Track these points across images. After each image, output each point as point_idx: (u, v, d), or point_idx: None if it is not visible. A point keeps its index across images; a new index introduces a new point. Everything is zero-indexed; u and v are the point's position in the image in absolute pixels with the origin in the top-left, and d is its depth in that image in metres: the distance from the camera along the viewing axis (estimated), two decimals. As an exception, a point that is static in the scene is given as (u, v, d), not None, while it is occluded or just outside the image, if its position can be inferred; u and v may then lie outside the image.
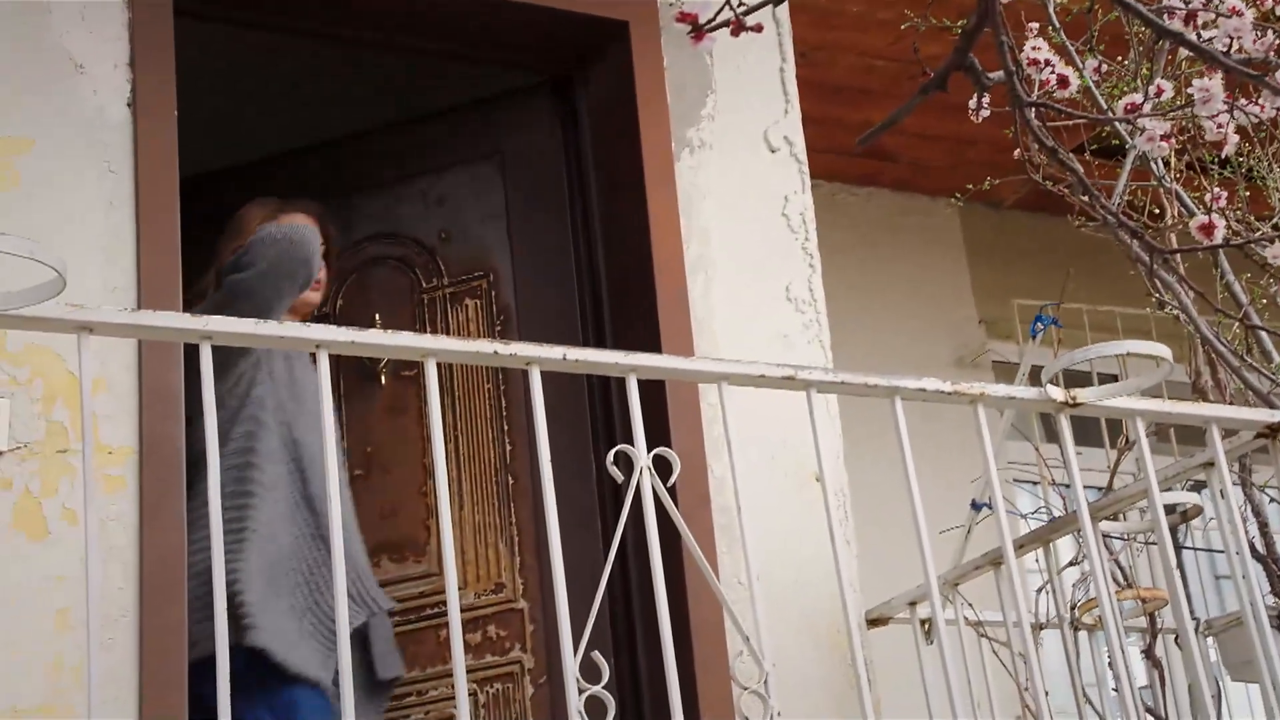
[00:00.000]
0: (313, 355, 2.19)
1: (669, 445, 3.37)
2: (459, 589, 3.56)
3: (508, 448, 3.69)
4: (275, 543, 3.01)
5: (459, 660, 2.10)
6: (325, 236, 3.39)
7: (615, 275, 3.78)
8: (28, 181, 3.02)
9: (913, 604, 3.39)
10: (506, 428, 3.71)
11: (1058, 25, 2.40)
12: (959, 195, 3.95)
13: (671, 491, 2.35)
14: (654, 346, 3.54)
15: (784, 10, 3.90)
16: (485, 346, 2.30)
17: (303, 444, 3.12)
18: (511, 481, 3.68)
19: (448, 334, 3.71)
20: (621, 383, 2.42)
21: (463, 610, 3.54)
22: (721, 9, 1.38)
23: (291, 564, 3.02)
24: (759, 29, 1.47)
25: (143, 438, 2.90)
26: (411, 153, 3.86)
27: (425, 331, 3.77)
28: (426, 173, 3.94)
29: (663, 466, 2.35)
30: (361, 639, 3.08)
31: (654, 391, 3.36)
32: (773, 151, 3.88)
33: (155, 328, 2.14)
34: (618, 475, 2.31)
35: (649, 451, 2.31)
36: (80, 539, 2.68)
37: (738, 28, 1.40)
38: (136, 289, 3.00)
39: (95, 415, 2.74)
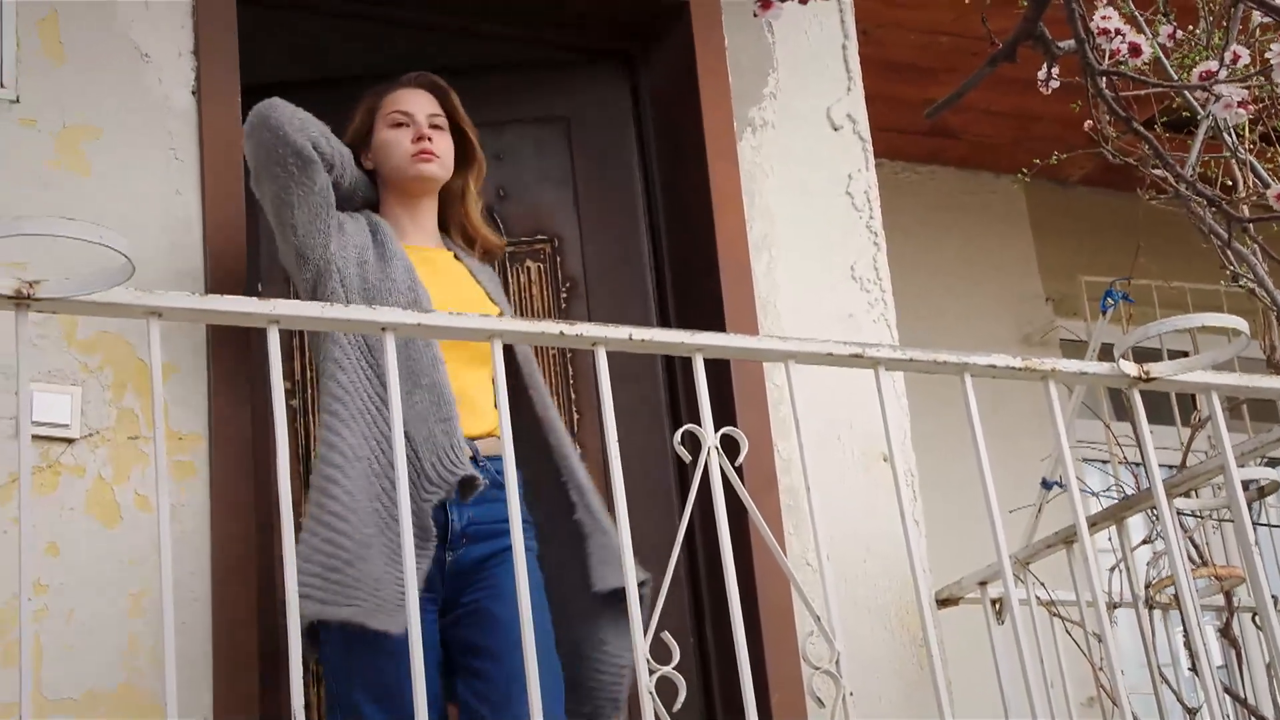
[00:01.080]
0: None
1: (735, 424, 3.39)
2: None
3: (575, 416, 3.66)
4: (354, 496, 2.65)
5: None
6: (444, 107, 3.02)
7: (678, 254, 3.77)
8: (97, 169, 3.05)
9: (983, 584, 3.36)
10: (574, 396, 3.66)
11: (1128, -7, 2.37)
12: (1024, 172, 3.90)
13: (739, 471, 2.34)
14: (718, 325, 3.53)
15: (848, -12, 3.87)
16: (551, 327, 2.29)
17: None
18: (580, 450, 3.65)
19: (508, 292, 3.67)
20: (687, 361, 2.41)
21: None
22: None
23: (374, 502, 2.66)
24: (827, -2, 1.44)
25: (212, 423, 2.92)
26: (467, 102, 3.72)
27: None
28: (482, 125, 3.86)
29: (730, 446, 2.33)
30: (577, 550, 2.84)
31: (720, 370, 3.35)
32: (835, 129, 3.85)
33: (223, 312, 2.15)
34: (685, 455, 2.30)
35: (716, 431, 2.29)
36: (152, 524, 2.70)
37: (805, -3, 1.37)
38: (205, 274, 3.02)
39: (165, 401, 2.76)
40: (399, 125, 2.95)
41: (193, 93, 3.18)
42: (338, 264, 2.77)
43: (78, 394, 2.85)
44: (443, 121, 3.00)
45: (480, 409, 2.80)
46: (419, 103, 2.98)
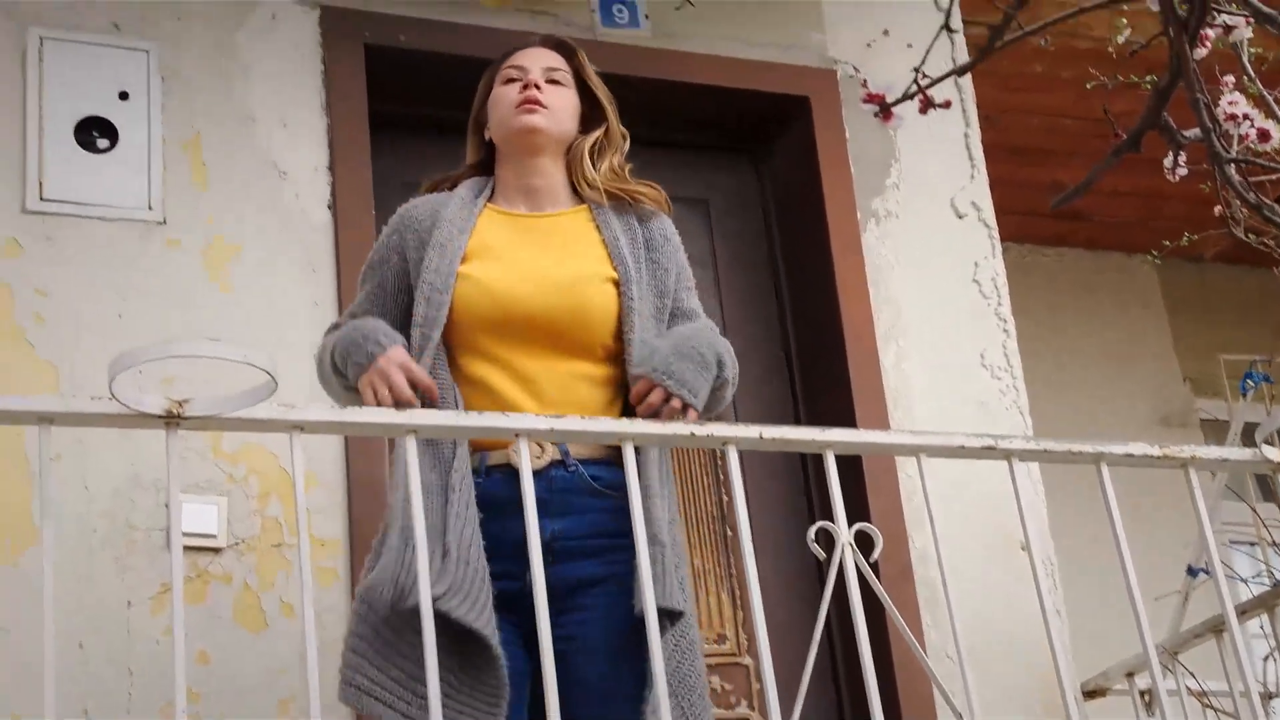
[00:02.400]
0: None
1: (868, 517, 3.38)
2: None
3: (724, 498, 3.66)
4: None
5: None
6: (570, 64, 2.71)
7: (806, 343, 3.78)
8: (238, 285, 3.15)
9: (1130, 674, 3.29)
10: (721, 478, 3.65)
11: (1253, 75, 2.35)
12: (1155, 254, 3.86)
13: (874, 566, 2.33)
14: (848, 416, 3.52)
15: (966, 76, 3.88)
16: (682, 429, 2.31)
17: None
18: (729, 533, 3.64)
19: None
20: (819, 456, 2.41)
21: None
22: (909, 88, 1.38)
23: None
24: (947, 105, 1.46)
25: (352, 529, 2.98)
26: None
27: None
28: None
29: (865, 540, 2.32)
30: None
31: (852, 463, 3.34)
32: (960, 217, 3.85)
33: (362, 424, 2.21)
34: (819, 552, 2.29)
35: (850, 527, 2.28)
36: (297, 630, 2.75)
37: (925, 105, 1.39)
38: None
39: (307, 509, 2.82)
40: (511, 81, 2.65)
41: (328, 207, 3.28)
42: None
43: (224, 504, 2.93)
44: (565, 78, 2.67)
45: (569, 401, 2.45)
46: (537, 56, 2.68)
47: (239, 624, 2.87)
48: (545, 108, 2.60)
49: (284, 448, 2.71)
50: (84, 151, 3.16)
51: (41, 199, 3.09)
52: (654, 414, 2.40)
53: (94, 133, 3.19)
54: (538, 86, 2.61)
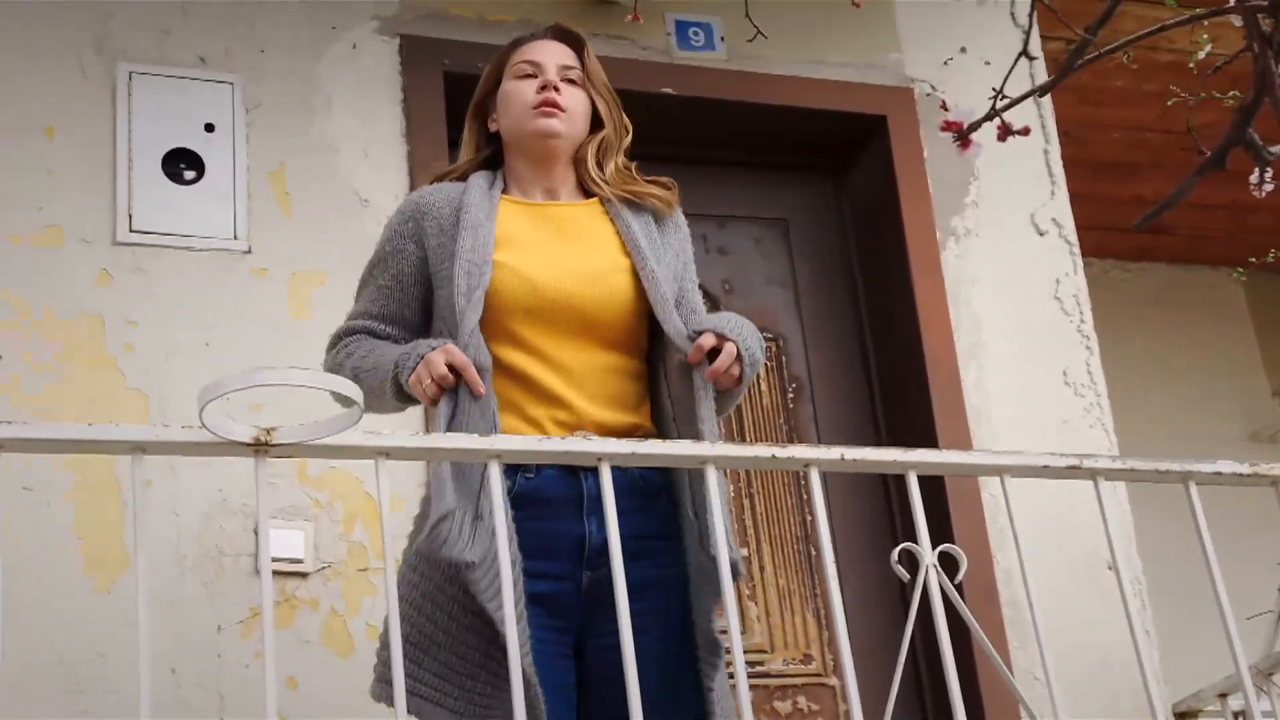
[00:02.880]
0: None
1: (951, 537, 3.35)
2: (765, 652, 3.56)
3: (808, 518, 3.65)
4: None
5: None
6: (578, 54, 2.61)
7: (886, 363, 3.77)
8: (320, 313, 3.19)
9: (1223, 695, 3.24)
10: (805, 496, 3.65)
11: (1338, 87, 2.31)
12: (1241, 270, 3.81)
13: (958, 587, 2.31)
14: (930, 436, 3.51)
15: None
16: (764, 451, 2.30)
17: None
18: (813, 552, 3.63)
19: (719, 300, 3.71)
20: (901, 476, 2.40)
21: (771, 676, 3.52)
22: (988, 113, 1.38)
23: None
24: (1026, 132, 1.45)
25: (437, 552, 3.00)
26: (692, 194, 3.66)
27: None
28: (705, 218, 3.84)
29: (949, 561, 2.31)
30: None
31: (934, 483, 3.32)
32: (1041, 234, 3.82)
33: (448, 449, 2.22)
34: (903, 574, 2.27)
35: (934, 549, 2.27)
36: (383, 653, 2.77)
37: (1004, 132, 1.39)
38: (423, 410, 3.12)
39: (393, 535, 2.85)
40: (525, 76, 2.54)
41: (410, 234, 3.31)
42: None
43: (310, 529, 2.97)
44: (578, 76, 2.56)
45: (607, 395, 2.40)
46: (551, 52, 2.56)
47: (327, 648, 2.90)
48: (564, 111, 2.51)
49: (368, 473, 2.74)
50: (171, 183, 3.22)
51: (131, 230, 3.16)
52: (713, 368, 2.34)
53: (181, 165, 3.25)
54: (556, 89, 2.51)
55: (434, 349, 2.33)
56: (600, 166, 2.55)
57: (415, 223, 2.49)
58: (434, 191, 2.52)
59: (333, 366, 2.49)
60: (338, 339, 2.53)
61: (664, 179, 2.61)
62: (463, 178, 2.55)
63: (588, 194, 2.56)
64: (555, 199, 2.54)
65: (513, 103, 2.53)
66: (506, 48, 2.62)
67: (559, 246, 2.46)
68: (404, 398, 2.41)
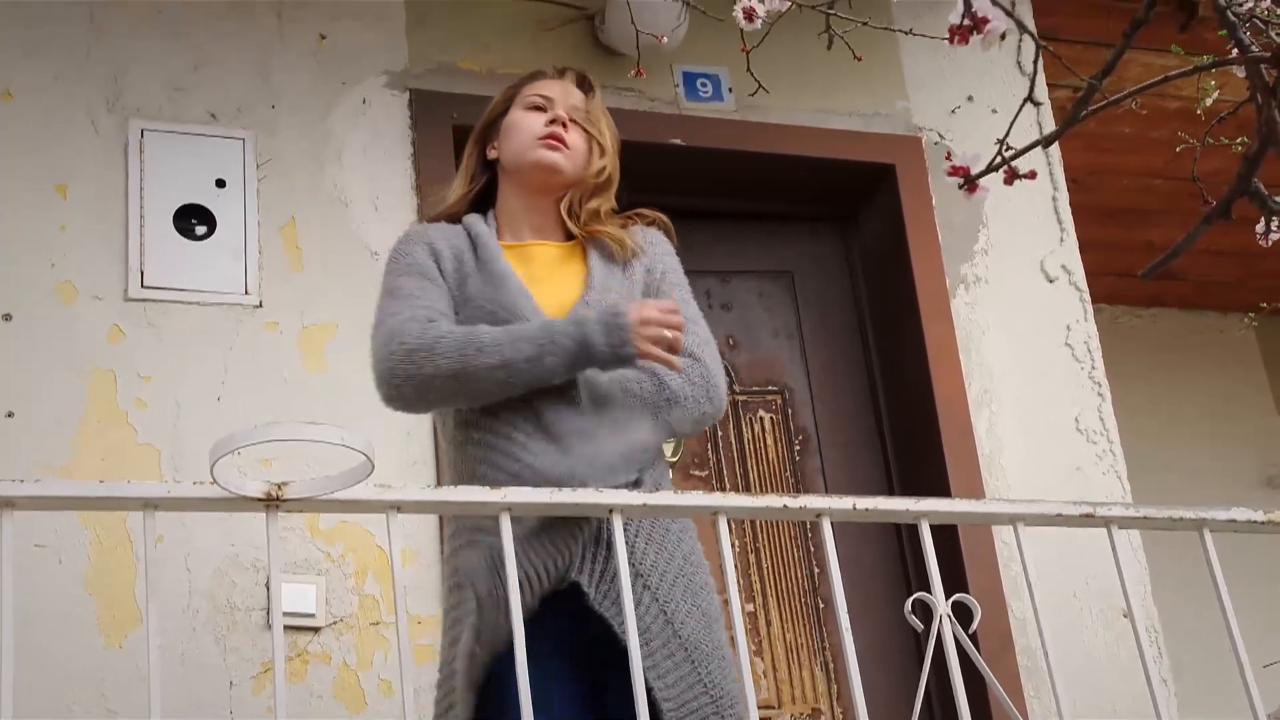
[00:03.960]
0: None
1: (965, 586, 3.34)
2: (772, 708, 3.53)
3: (815, 570, 3.64)
4: None
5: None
6: (589, 108, 2.61)
7: (898, 411, 3.76)
8: (333, 365, 3.20)
9: (1241, 744, 3.21)
10: (813, 549, 3.65)
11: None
12: (1252, 316, 3.80)
13: (973, 637, 2.29)
14: (942, 485, 3.50)
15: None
16: (775, 501, 2.29)
17: None
18: (821, 605, 3.62)
19: (739, 441, 3.71)
20: (914, 526, 2.39)
21: (780, 731, 3.50)
22: (993, 160, 1.38)
23: None
24: (1032, 176, 1.46)
25: (448, 605, 2.99)
26: (696, 250, 3.70)
27: (716, 433, 3.77)
28: (709, 274, 3.87)
29: (963, 611, 2.29)
30: None
31: (947, 532, 3.31)
32: (1050, 281, 3.82)
33: (458, 502, 2.22)
34: (916, 624, 2.26)
35: (948, 598, 2.26)
36: (396, 709, 2.77)
37: (1010, 177, 1.39)
38: (435, 461, 3.12)
39: (405, 588, 2.84)
40: (535, 108, 2.55)
41: (420, 286, 3.32)
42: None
43: (322, 583, 2.96)
44: (585, 120, 2.58)
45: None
46: (564, 92, 2.58)
47: (339, 702, 2.89)
48: (569, 148, 2.52)
49: (380, 526, 2.75)
50: (183, 239, 3.24)
51: (143, 286, 3.17)
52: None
53: (193, 220, 3.27)
54: (565, 125, 2.52)
55: (620, 314, 2.31)
56: (581, 206, 2.55)
57: (428, 247, 2.46)
58: (434, 230, 2.50)
59: (423, 347, 2.35)
60: (399, 335, 2.37)
61: (650, 213, 2.61)
62: (454, 219, 2.54)
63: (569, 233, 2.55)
64: (542, 236, 2.53)
65: (519, 131, 2.53)
66: (521, 79, 2.63)
67: (533, 286, 2.45)
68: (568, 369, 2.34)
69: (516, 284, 2.42)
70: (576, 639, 2.32)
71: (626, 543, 2.17)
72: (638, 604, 2.31)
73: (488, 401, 2.37)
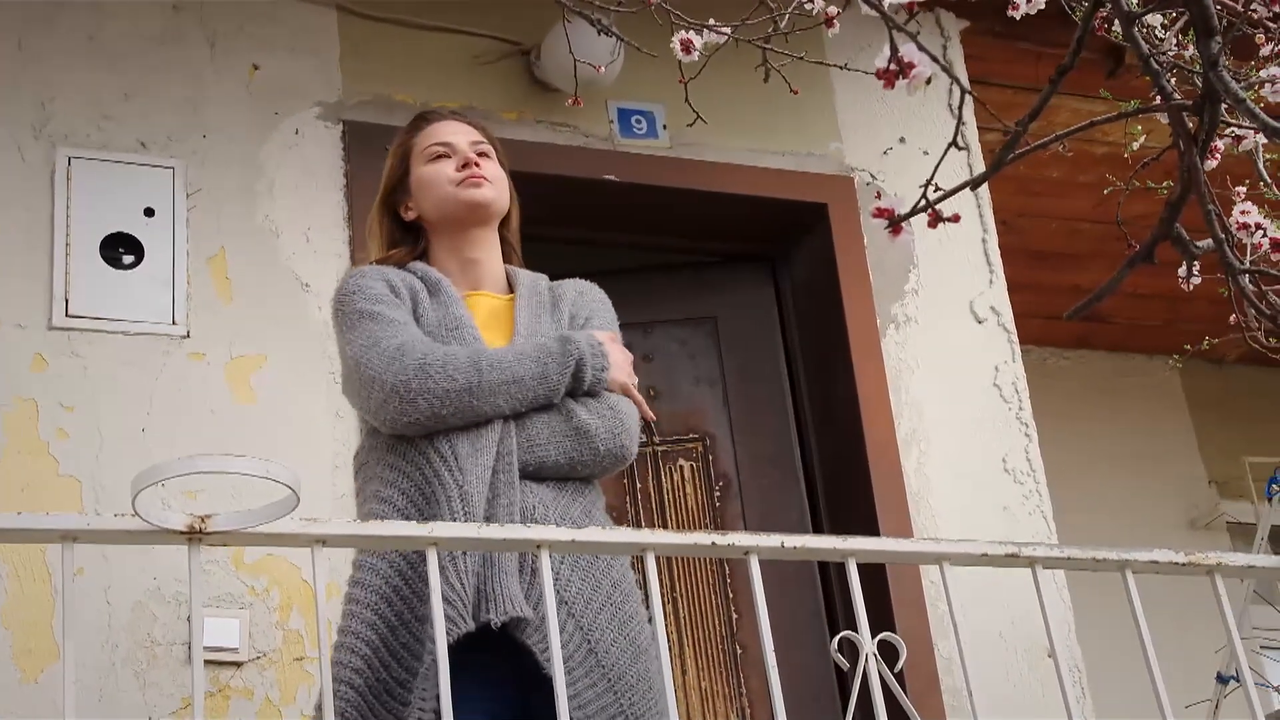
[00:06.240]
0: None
1: (892, 625, 3.35)
2: (688, 758, 3.52)
3: (734, 615, 3.64)
4: None
5: None
6: (486, 136, 2.61)
7: (827, 452, 3.78)
8: (262, 397, 3.17)
9: (1162, 784, 3.23)
10: (732, 595, 3.66)
11: (1269, 180, 2.36)
12: (1176, 357, 3.86)
13: (899, 676, 2.30)
14: (871, 524, 3.51)
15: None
16: (703, 538, 2.29)
17: None
18: (740, 651, 3.61)
19: (659, 492, 3.71)
20: (841, 564, 2.39)
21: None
22: (918, 203, 1.39)
23: None
24: (956, 219, 1.47)
25: (374, 641, 2.96)
26: (618, 304, 3.67)
27: (634, 486, 3.78)
28: (631, 326, 3.85)
29: (889, 650, 2.30)
30: None
31: (875, 571, 3.32)
32: (979, 322, 3.86)
33: (384, 537, 2.20)
34: (842, 663, 2.26)
35: (874, 637, 2.26)
36: (318, 745, 2.73)
37: (934, 220, 1.41)
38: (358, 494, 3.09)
39: (330, 622, 2.81)
40: (439, 158, 2.53)
41: (351, 319, 3.30)
42: None
43: (246, 617, 2.92)
44: (489, 149, 2.58)
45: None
46: (456, 131, 2.56)
47: (260, 739, 2.85)
48: (491, 180, 2.51)
49: (305, 560, 2.71)
50: (109, 268, 3.20)
51: (67, 315, 3.13)
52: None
53: (120, 249, 3.23)
54: (476, 163, 2.51)
55: (601, 341, 2.42)
56: (509, 229, 2.57)
57: (386, 283, 2.42)
58: (389, 270, 2.46)
59: (437, 362, 2.30)
60: (409, 352, 2.31)
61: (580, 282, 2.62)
62: (400, 265, 2.51)
63: (510, 283, 2.54)
64: (479, 288, 2.51)
65: (434, 185, 2.50)
66: (404, 135, 2.59)
67: (492, 339, 2.42)
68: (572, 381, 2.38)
69: (474, 331, 2.40)
70: (500, 667, 2.29)
71: (552, 568, 2.16)
72: (561, 631, 2.30)
73: (483, 420, 2.33)
